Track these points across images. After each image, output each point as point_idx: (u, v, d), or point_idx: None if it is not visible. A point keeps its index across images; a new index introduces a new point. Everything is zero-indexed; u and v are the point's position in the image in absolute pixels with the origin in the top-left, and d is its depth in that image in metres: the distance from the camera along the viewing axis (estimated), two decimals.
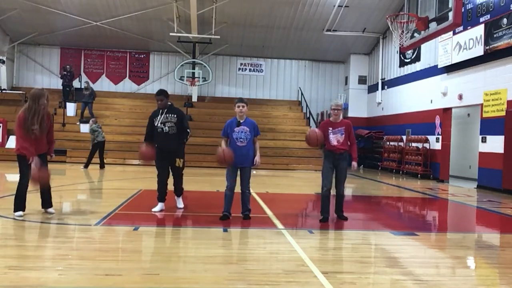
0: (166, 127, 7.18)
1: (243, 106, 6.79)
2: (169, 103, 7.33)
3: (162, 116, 7.21)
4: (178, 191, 7.62)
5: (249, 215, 6.94)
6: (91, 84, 20.62)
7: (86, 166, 15.37)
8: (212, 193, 10.37)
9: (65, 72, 21.03)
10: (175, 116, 7.25)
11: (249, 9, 19.78)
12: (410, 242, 6.11)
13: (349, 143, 7.10)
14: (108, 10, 20.12)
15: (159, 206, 7.37)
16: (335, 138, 6.98)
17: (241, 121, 6.81)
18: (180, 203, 7.67)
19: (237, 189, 6.88)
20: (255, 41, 22.40)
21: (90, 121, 15.97)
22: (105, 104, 21.78)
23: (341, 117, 7.18)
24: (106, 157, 16.31)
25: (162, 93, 7.28)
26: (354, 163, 7.22)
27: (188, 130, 7.37)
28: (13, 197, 6.61)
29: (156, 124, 7.21)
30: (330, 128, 7.02)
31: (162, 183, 7.33)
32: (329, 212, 7.06)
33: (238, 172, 6.86)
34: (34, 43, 22.77)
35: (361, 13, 19.92)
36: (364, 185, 13.68)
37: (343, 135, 7.00)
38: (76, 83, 22.18)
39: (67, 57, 23.10)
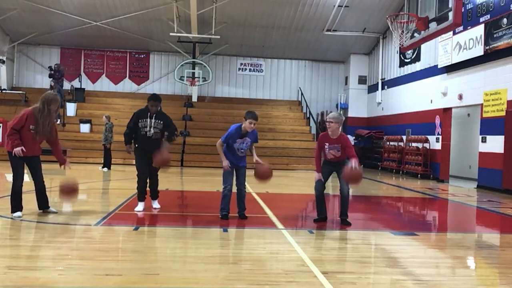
0: (151, 132, 7.19)
1: (254, 124, 6.75)
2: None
3: (151, 120, 7.19)
4: (155, 194, 7.58)
5: (245, 214, 6.99)
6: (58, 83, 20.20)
7: (108, 167, 15.17)
8: (212, 193, 10.36)
9: (52, 71, 19.77)
10: (162, 122, 7.27)
11: (249, 9, 19.77)
12: (410, 242, 6.11)
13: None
14: (108, 10, 20.11)
15: (141, 205, 7.34)
16: (331, 153, 6.71)
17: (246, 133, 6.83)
18: (156, 204, 7.59)
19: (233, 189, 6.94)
20: (255, 41, 22.39)
21: (104, 117, 15.42)
22: (105, 104, 21.76)
23: (339, 131, 6.67)
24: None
25: (159, 100, 7.32)
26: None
27: (176, 133, 7.48)
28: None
29: (141, 127, 7.19)
30: (327, 144, 6.70)
31: (144, 181, 7.34)
32: (324, 213, 6.93)
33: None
34: (34, 43, 22.73)
35: (361, 13, 19.91)
36: (364, 185, 13.65)
37: (339, 152, 6.67)
38: (76, 83, 22.14)
39: (67, 57, 23.05)
